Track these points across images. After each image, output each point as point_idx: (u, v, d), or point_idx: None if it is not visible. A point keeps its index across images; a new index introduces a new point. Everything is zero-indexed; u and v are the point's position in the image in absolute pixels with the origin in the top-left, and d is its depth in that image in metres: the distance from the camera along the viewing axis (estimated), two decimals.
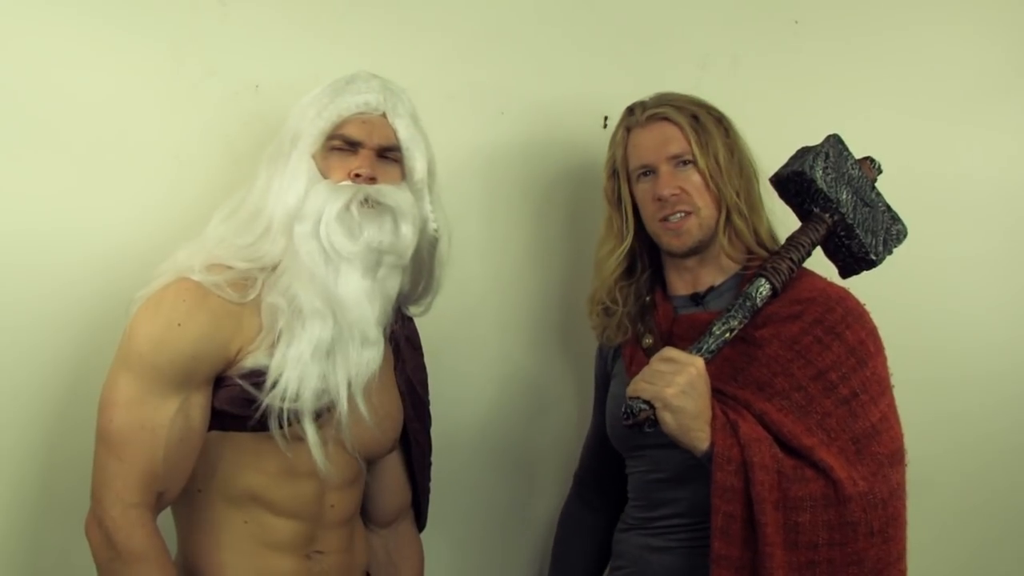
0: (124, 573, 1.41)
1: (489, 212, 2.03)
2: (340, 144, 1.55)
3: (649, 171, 1.71)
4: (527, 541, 2.10)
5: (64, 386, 1.70)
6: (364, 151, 1.55)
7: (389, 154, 1.58)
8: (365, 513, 1.73)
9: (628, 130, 1.75)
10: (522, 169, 2.06)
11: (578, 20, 2.09)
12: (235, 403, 1.47)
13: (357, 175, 1.53)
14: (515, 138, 2.04)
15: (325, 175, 1.53)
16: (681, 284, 1.75)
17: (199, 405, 1.46)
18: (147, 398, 1.43)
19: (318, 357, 1.47)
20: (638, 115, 1.73)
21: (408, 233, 1.54)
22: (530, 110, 2.05)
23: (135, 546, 1.40)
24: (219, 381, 1.49)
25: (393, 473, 1.74)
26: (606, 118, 2.08)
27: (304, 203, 1.50)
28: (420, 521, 1.80)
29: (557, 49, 2.07)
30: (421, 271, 1.66)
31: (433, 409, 1.78)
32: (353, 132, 1.55)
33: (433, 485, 1.80)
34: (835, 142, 1.68)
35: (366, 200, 1.51)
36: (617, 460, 1.80)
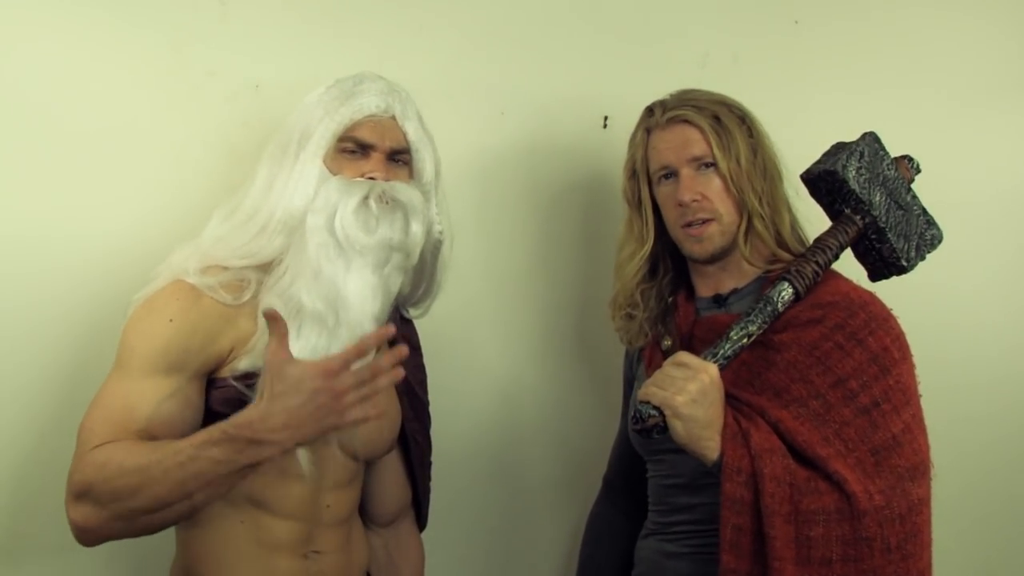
0: (110, 488, 1.36)
1: (489, 212, 2.03)
2: (352, 147, 1.54)
3: (670, 174, 1.67)
4: (529, 543, 2.09)
5: (64, 390, 1.70)
6: (376, 154, 1.55)
7: (399, 157, 1.57)
8: (365, 513, 1.73)
9: (648, 131, 1.71)
10: (522, 169, 2.05)
11: (578, 19, 2.08)
12: (230, 404, 1.47)
13: (371, 178, 1.53)
14: (515, 138, 2.04)
15: (336, 175, 1.53)
16: (704, 287, 1.72)
17: (189, 396, 1.46)
18: (134, 385, 1.43)
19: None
20: (658, 116, 1.69)
21: (418, 231, 1.54)
22: (530, 110, 2.04)
23: (96, 459, 1.37)
24: (213, 382, 1.49)
25: (392, 473, 1.73)
26: (606, 118, 2.08)
27: (316, 198, 1.50)
28: (421, 521, 1.79)
29: (557, 49, 2.06)
30: (423, 273, 1.66)
31: (434, 411, 1.78)
32: (365, 135, 1.54)
33: (434, 486, 1.80)
34: (871, 140, 1.64)
35: (382, 195, 1.51)
36: (644, 464, 1.78)
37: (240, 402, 1.45)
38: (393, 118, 1.57)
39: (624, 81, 2.06)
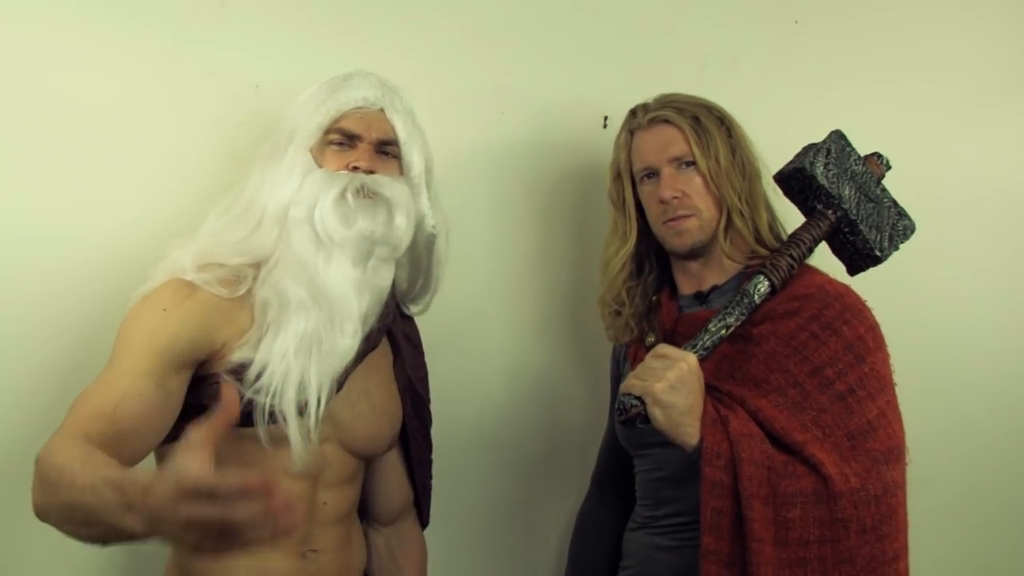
0: (50, 482, 1.24)
1: (489, 212, 2.03)
2: (338, 138, 1.55)
3: (652, 173, 1.72)
4: (532, 541, 2.10)
5: (60, 388, 1.70)
6: (362, 145, 1.56)
7: (387, 148, 1.58)
8: (368, 511, 1.74)
9: (631, 133, 1.76)
10: (522, 170, 2.06)
11: (578, 20, 2.09)
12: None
13: (355, 167, 1.54)
14: (515, 138, 2.05)
15: (322, 168, 1.54)
16: (686, 284, 1.76)
17: (174, 386, 1.45)
18: (118, 369, 1.42)
19: (301, 352, 1.47)
20: (640, 118, 1.75)
21: (402, 224, 1.54)
22: (530, 110, 2.05)
23: (55, 453, 1.27)
24: (205, 378, 1.49)
25: (393, 471, 1.74)
26: (606, 118, 2.09)
27: (300, 191, 1.51)
28: (422, 519, 1.80)
29: (557, 49, 2.07)
30: (419, 269, 1.66)
31: (438, 408, 1.79)
32: (351, 126, 1.55)
33: (438, 484, 1.81)
34: (837, 138, 1.69)
35: (362, 188, 1.52)
36: (631, 460, 1.81)
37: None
38: (381, 110, 1.58)
39: (624, 81, 2.06)
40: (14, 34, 1.70)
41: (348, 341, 1.51)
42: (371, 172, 1.54)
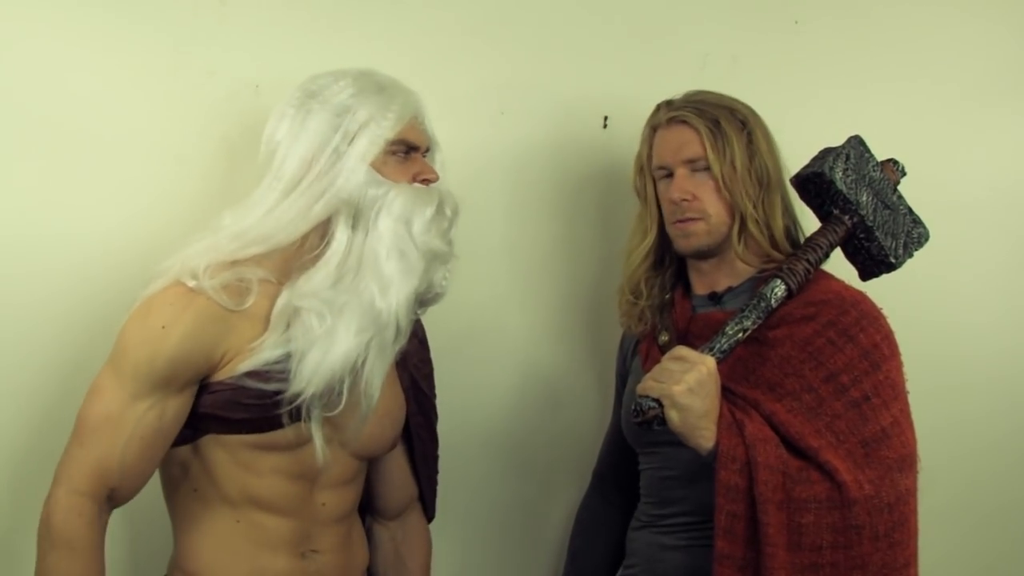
0: (49, 557, 1.42)
1: (486, 212, 2.02)
2: (403, 149, 1.56)
3: (667, 172, 1.73)
4: (541, 539, 2.10)
5: (61, 390, 1.70)
6: (418, 155, 1.58)
7: (427, 155, 1.61)
8: (372, 506, 1.74)
9: (654, 129, 1.77)
10: (521, 169, 2.06)
11: (578, 19, 2.09)
12: (225, 407, 1.48)
13: (426, 180, 1.56)
14: (515, 138, 2.04)
15: (389, 179, 1.54)
16: (700, 284, 1.76)
17: (175, 408, 1.47)
18: (120, 394, 1.44)
19: (362, 340, 1.48)
20: (662, 115, 1.75)
21: (454, 235, 1.58)
22: (530, 110, 2.05)
23: (66, 532, 1.42)
24: (206, 387, 1.49)
25: (398, 469, 1.74)
26: (606, 118, 2.09)
27: (386, 205, 1.51)
28: (428, 513, 1.80)
29: (557, 48, 2.07)
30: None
31: (448, 407, 1.80)
32: (414, 138, 1.57)
33: (446, 481, 1.81)
34: (856, 143, 1.69)
35: (449, 201, 1.57)
36: (635, 456, 1.81)
37: (235, 404, 1.47)
38: (418, 118, 1.60)
39: (624, 81, 2.07)
40: (14, 34, 1.69)
41: (391, 347, 1.52)
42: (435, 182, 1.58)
